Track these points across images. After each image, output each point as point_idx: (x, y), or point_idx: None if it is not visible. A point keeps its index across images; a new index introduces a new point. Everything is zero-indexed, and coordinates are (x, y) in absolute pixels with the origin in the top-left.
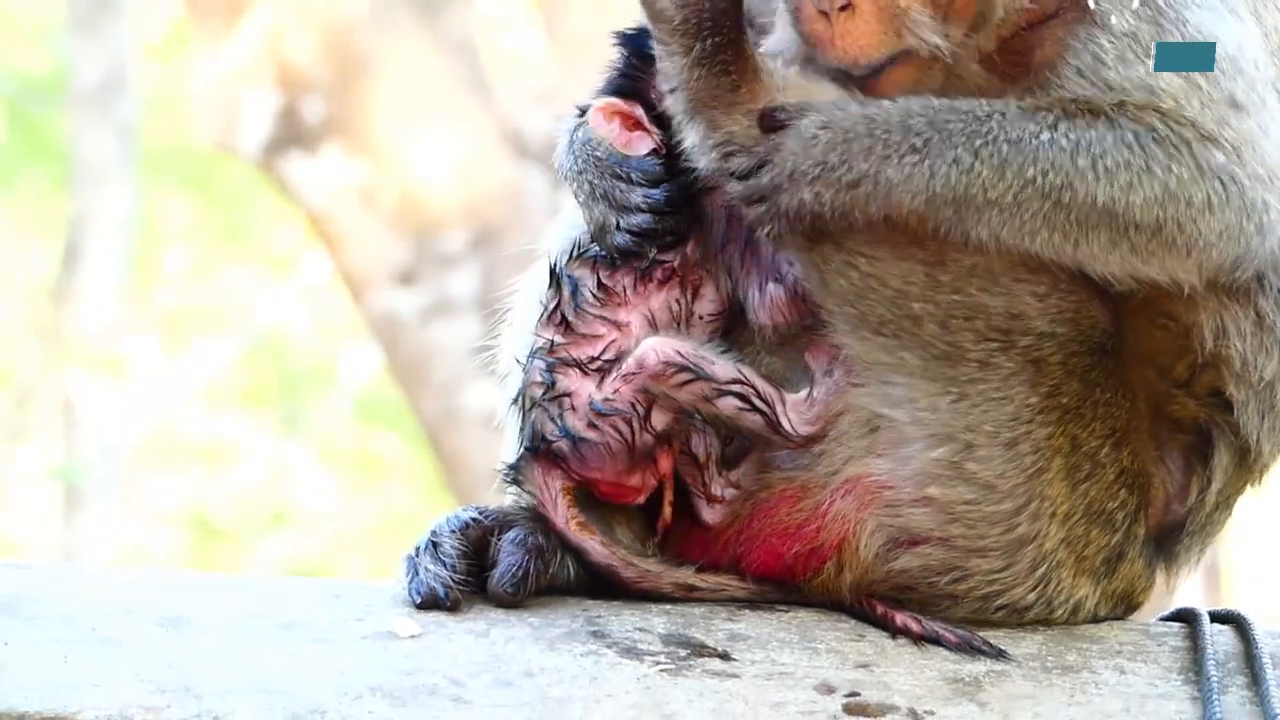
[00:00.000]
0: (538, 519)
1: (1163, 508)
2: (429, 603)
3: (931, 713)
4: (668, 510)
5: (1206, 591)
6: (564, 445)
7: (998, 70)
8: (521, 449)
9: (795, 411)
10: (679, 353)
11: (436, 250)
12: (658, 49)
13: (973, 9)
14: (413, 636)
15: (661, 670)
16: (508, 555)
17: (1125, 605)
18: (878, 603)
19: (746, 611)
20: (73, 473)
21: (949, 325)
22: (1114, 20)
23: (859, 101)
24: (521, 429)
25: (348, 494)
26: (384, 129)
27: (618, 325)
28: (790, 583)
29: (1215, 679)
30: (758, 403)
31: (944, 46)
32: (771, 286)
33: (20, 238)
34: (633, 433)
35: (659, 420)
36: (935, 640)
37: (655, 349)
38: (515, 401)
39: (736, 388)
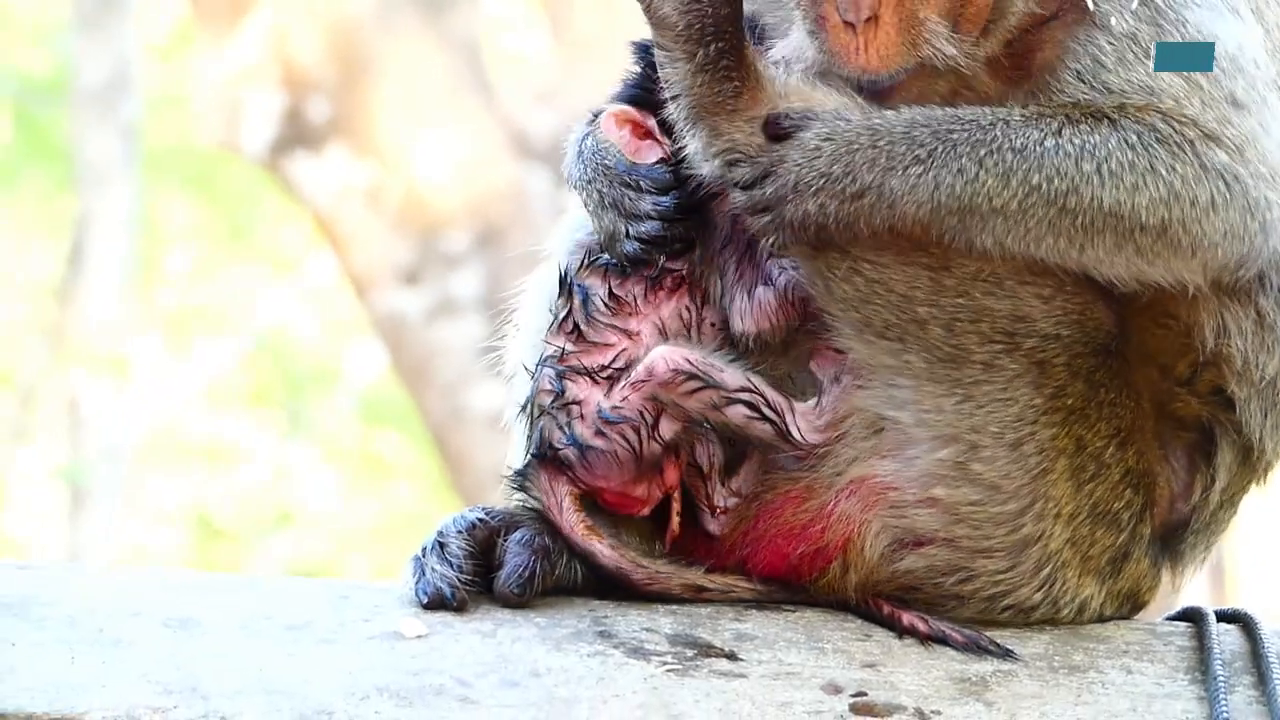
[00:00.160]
0: (544, 520)
1: (1168, 507)
2: (435, 603)
3: (938, 712)
4: (676, 522)
5: (1212, 590)
6: (571, 453)
7: (1000, 74)
8: (528, 456)
9: (804, 420)
10: (688, 360)
11: (441, 250)
12: (660, 55)
13: (984, 18)
14: (419, 637)
15: (668, 670)
16: (514, 556)
17: (1131, 605)
18: (884, 602)
19: (753, 612)
20: (77, 473)
21: (954, 328)
22: (1113, 21)
23: (863, 111)
24: (529, 436)
25: (352, 494)
26: (388, 129)
27: (629, 334)
28: (796, 583)
29: (1222, 678)
30: (767, 411)
31: (959, 57)
32: (760, 291)
33: (24, 238)
34: (640, 441)
35: (667, 429)
36: (942, 640)
37: (664, 356)
38: (523, 409)
39: (745, 396)
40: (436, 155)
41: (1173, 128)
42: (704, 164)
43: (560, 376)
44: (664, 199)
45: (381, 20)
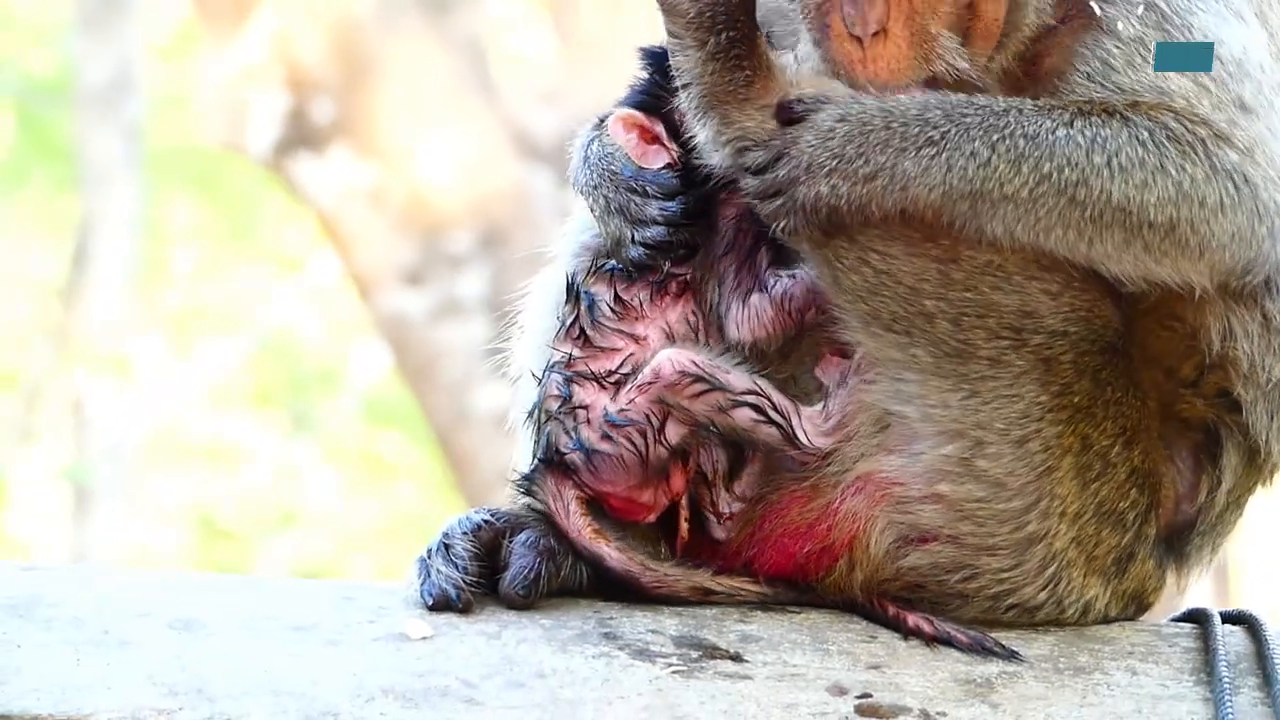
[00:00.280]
0: (550, 521)
1: (1173, 507)
2: (441, 604)
3: (944, 714)
4: (685, 528)
5: (1216, 592)
6: (577, 458)
7: (1008, 80)
8: (535, 461)
9: (810, 423)
10: (694, 363)
11: (444, 251)
12: (671, 44)
13: (997, 32)
14: (425, 638)
15: (674, 672)
16: (519, 558)
17: (1136, 606)
18: (889, 604)
19: (758, 613)
20: (80, 473)
21: (961, 322)
22: (1120, 26)
23: (876, 96)
24: (535, 441)
25: (355, 495)
26: (392, 129)
27: (635, 339)
28: (803, 582)
29: (1227, 680)
30: (773, 414)
31: (971, 72)
32: (756, 298)
33: (27, 238)
34: (647, 445)
35: (673, 433)
36: (947, 641)
37: (671, 359)
38: (530, 414)
39: (752, 399)
40: (440, 156)
41: (1184, 127)
42: (714, 153)
43: (567, 382)
44: (670, 204)
45: (385, 21)
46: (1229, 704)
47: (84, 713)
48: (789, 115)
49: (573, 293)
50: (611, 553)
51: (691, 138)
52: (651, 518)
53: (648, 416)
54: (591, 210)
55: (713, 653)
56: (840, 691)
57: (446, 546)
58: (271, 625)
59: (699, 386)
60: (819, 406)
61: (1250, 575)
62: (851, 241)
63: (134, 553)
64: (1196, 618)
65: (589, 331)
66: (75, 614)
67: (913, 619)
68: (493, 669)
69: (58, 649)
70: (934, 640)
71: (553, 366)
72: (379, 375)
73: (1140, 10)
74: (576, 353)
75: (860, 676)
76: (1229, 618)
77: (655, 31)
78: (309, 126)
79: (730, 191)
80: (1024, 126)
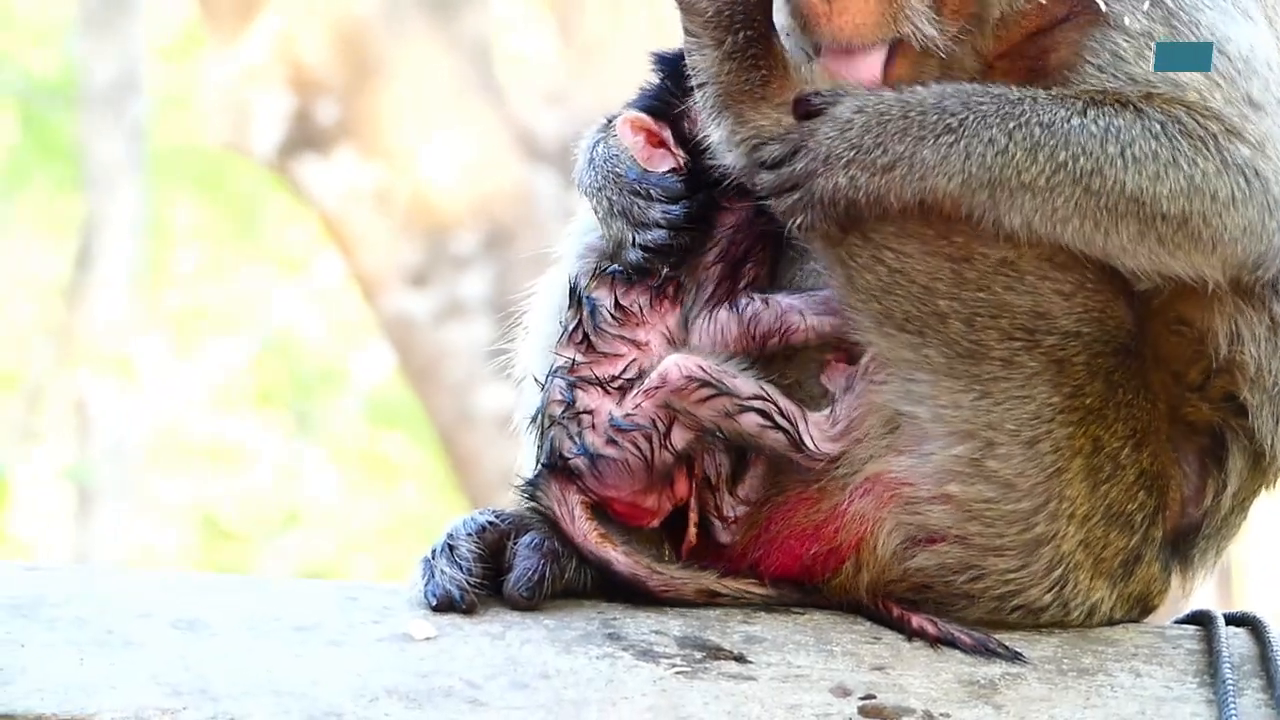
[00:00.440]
0: (554, 524)
1: (1179, 510)
2: (445, 605)
3: (947, 715)
4: (693, 533)
5: (1220, 594)
6: (581, 462)
7: (1014, 75)
8: (539, 466)
9: (817, 429)
10: (701, 367)
11: (448, 251)
12: (688, 42)
13: (970, 7)
14: (428, 639)
15: (677, 673)
16: (523, 559)
17: (1140, 608)
18: (894, 605)
19: (762, 614)
20: (84, 473)
21: (974, 323)
22: (1128, 21)
23: (894, 88)
24: (539, 446)
25: (359, 495)
26: (396, 130)
27: (637, 344)
28: (809, 584)
29: (1230, 682)
30: (780, 420)
31: (938, 40)
32: (723, 314)
33: (31, 238)
34: (652, 450)
35: (679, 438)
36: (951, 643)
37: (678, 364)
38: (534, 419)
39: (758, 404)
40: (444, 157)
41: (1196, 121)
42: (728, 153)
43: (571, 387)
44: (673, 208)
45: (389, 22)
46: (1232, 706)
47: (88, 712)
48: (806, 109)
49: (575, 297)
50: (619, 557)
51: (698, 144)
52: (655, 522)
53: (654, 421)
54: (595, 212)
55: (717, 653)
56: (844, 692)
57: (451, 547)
58: (275, 625)
59: (706, 391)
60: (825, 412)
61: (1254, 578)
62: (865, 240)
63: (137, 553)
64: (1200, 620)
65: (591, 337)
66: (79, 614)
67: (917, 620)
68: (497, 670)
69: (61, 649)
70: (938, 641)
71: (556, 371)
72: (382, 376)
73: (1145, 6)
74: (580, 358)
75: (864, 677)
76: (1233, 620)
77: (658, 33)
78: (313, 127)
79: (733, 199)
80: (1039, 115)
